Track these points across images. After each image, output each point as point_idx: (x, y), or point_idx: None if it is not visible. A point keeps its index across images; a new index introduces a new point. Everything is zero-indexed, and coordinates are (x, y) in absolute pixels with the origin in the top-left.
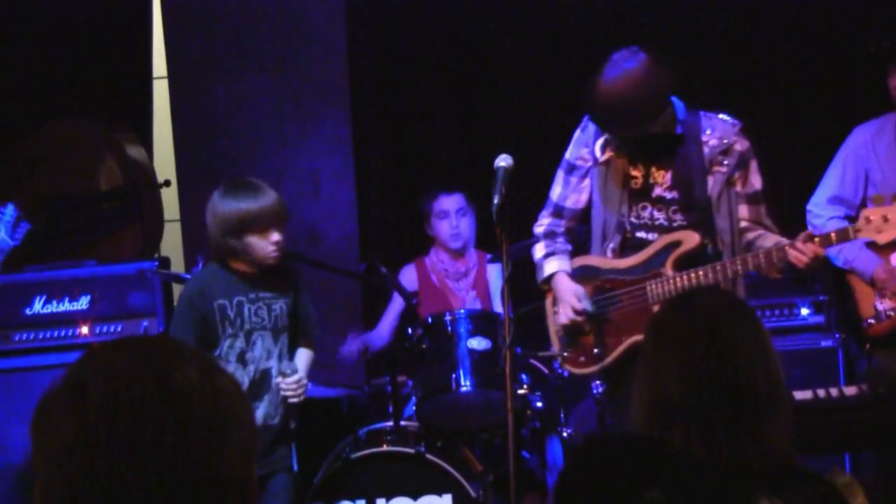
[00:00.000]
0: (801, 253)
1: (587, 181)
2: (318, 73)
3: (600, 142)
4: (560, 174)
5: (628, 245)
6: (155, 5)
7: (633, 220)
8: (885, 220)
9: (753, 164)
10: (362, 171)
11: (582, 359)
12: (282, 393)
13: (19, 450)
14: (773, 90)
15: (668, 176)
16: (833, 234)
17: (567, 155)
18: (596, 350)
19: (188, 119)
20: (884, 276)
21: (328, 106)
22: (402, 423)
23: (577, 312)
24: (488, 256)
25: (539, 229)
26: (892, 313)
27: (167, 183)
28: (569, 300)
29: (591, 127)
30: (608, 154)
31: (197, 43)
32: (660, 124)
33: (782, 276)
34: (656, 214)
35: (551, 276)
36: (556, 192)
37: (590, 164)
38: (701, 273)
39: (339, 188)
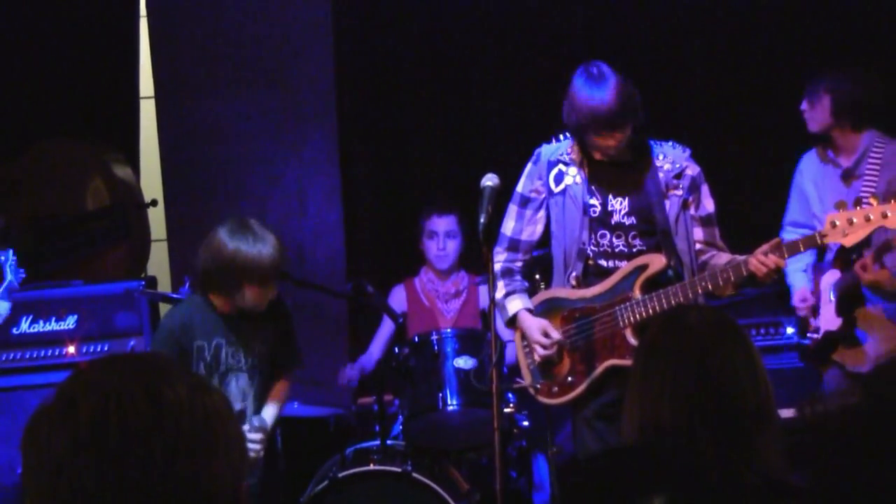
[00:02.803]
0: (761, 263)
1: (542, 213)
2: (305, 92)
3: (554, 172)
4: (513, 208)
5: (590, 273)
6: (141, 26)
7: (593, 247)
8: (851, 223)
9: (705, 188)
10: (349, 191)
11: (555, 389)
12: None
13: (5, 469)
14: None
15: (626, 202)
16: (801, 242)
17: (519, 188)
18: (569, 379)
19: (175, 139)
20: (798, 304)
21: (315, 125)
22: (389, 442)
23: (546, 347)
24: (477, 279)
25: (496, 266)
26: (816, 335)
27: (154, 203)
28: (537, 338)
29: (544, 159)
30: (563, 184)
31: (183, 63)
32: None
33: (737, 292)
34: (615, 241)
35: (515, 315)
36: (509, 226)
37: (544, 195)
38: (671, 293)
39: (325, 207)
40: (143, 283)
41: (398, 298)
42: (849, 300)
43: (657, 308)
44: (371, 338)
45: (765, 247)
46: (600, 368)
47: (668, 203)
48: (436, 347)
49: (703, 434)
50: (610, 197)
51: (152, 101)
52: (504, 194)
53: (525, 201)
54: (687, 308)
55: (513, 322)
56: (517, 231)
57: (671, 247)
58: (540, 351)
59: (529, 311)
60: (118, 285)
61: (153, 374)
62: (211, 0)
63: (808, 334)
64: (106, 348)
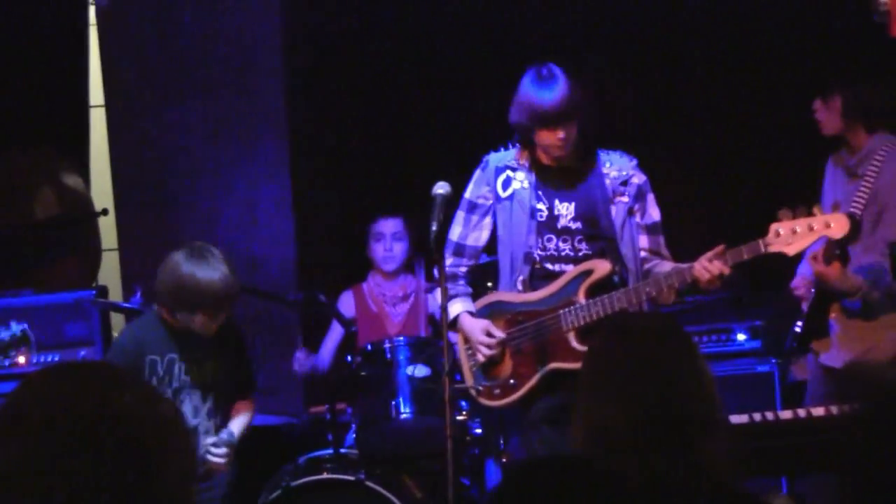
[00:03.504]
0: (705, 270)
1: (489, 219)
2: (256, 100)
3: (502, 178)
4: (460, 214)
5: (536, 276)
6: (91, 33)
7: (539, 251)
8: (794, 232)
9: (650, 197)
10: (300, 200)
11: (497, 391)
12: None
13: None
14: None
15: (572, 207)
16: (744, 249)
17: (467, 194)
18: (511, 381)
19: (125, 147)
20: (794, 286)
21: (266, 134)
22: (342, 450)
23: (489, 346)
24: (425, 286)
25: None
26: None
27: (105, 212)
28: (478, 338)
29: (492, 166)
30: (511, 189)
31: (134, 71)
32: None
33: (681, 299)
34: (561, 245)
35: (456, 319)
36: (455, 231)
37: (491, 202)
38: (616, 298)
39: (276, 216)
40: (94, 292)
41: (346, 304)
42: (825, 291)
43: (601, 313)
44: (320, 344)
45: (709, 253)
46: (542, 371)
47: (613, 209)
48: (388, 356)
49: (652, 441)
50: (556, 201)
51: (103, 110)
52: (455, 202)
53: (472, 207)
54: (633, 315)
55: (454, 325)
56: (463, 236)
57: (616, 253)
58: (484, 351)
59: (471, 314)
60: (69, 295)
61: (103, 383)
62: (160, 8)
63: (796, 322)
64: (56, 358)
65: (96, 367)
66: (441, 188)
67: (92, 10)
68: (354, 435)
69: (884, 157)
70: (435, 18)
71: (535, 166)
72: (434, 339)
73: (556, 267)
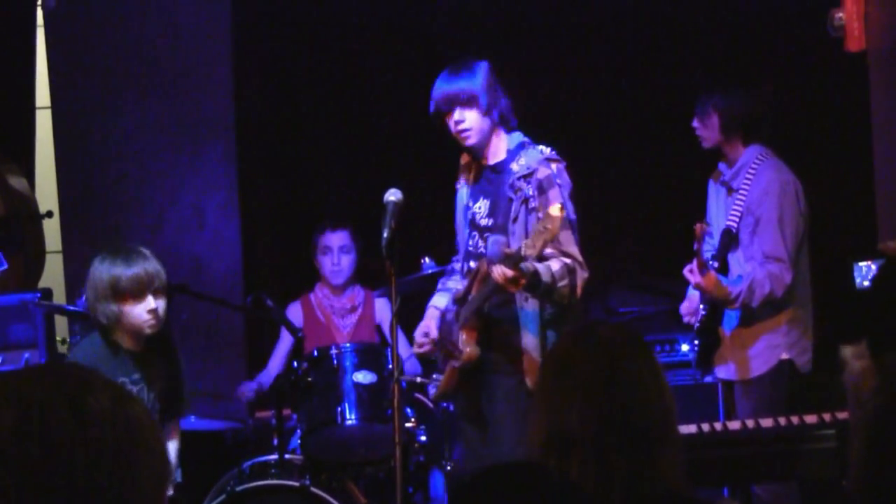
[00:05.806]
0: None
1: None
2: (204, 105)
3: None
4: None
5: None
6: (38, 35)
7: (469, 247)
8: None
9: (553, 192)
10: (247, 205)
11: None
12: None
13: None
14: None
15: (486, 204)
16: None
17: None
18: (433, 375)
19: (71, 150)
20: (682, 311)
21: (213, 139)
22: (287, 456)
23: (419, 345)
24: (375, 293)
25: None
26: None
27: (49, 214)
28: (416, 334)
29: (463, 161)
30: (461, 188)
31: (80, 74)
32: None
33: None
34: (479, 243)
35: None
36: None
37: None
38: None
39: (223, 222)
40: (39, 294)
41: (294, 315)
42: (714, 306)
43: (477, 307)
44: (269, 352)
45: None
46: (449, 369)
47: (513, 206)
48: (335, 362)
49: (610, 446)
50: (481, 199)
51: (48, 112)
52: (406, 209)
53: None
54: (597, 323)
55: None
56: (457, 232)
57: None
58: (414, 348)
59: (440, 311)
60: (13, 297)
61: (76, 385)
62: (109, 11)
63: (694, 341)
64: (0, 360)
65: (68, 369)
66: (393, 195)
67: (39, 13)
68: (300, 440)
69: (755, 170)
70: (383, 26)
71: (475, 165)
72: (382, 346)
73: (475, 265)
